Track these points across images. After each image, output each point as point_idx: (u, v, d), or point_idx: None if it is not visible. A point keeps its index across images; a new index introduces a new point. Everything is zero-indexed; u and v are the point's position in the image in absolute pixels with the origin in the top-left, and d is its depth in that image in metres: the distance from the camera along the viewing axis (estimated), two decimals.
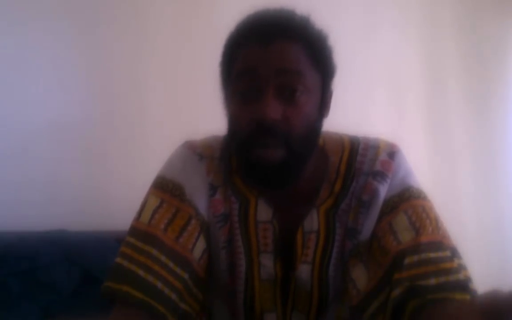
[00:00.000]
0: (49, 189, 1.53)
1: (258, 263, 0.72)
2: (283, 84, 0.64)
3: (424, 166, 2.08)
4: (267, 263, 0.72)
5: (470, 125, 2.37)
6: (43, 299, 1.30)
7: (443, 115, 2.33)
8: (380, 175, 0.71)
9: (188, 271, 0.67)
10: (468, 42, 2.38)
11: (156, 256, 0.65)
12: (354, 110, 1.84)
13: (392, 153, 0.74)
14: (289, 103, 0.65)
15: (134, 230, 0.69)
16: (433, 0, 2.35)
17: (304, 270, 0.71)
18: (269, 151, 0.64)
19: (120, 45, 1.69)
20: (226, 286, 0.74)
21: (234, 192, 0.74)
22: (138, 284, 0.63)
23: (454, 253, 0.65)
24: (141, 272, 0.63)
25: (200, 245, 0.70)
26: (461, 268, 0.64)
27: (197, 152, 0.76)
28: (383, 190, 0.70)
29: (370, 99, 2.12)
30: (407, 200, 0.69)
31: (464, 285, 0.61)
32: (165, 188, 0.72)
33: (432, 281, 0.61)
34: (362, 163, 0.74)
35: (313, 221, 0.72)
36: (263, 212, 0.73)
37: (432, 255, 0.63)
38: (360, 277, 0.68)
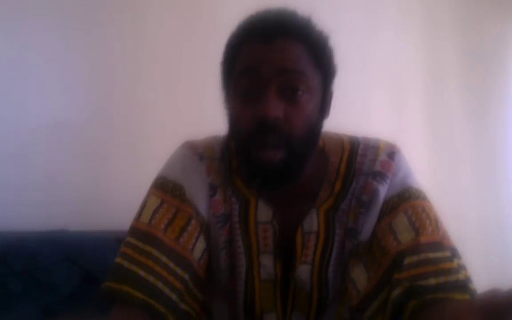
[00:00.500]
0: (49, 189, 1.53)
1: (258, 264, 0.72)
2: (285, 83, 0.64)
3: (424, 166, 2.08)
4: (267, 264, 0.72)
5: (470, 125, 2.38)
6: (43, 299, 1.29)
7: (443, 115, 2.33)
8: (380, 176, 0.71)
9: (188, 272, 0.67)
10: (468, 42, 2.39)
11: (157, 256, 0.65)
12: (354, 110, 1.83)
13: (392, 153, 0.74)
14: (290, 102, 0.65)
15: (134, 230, 0.69)
16: (433, 0, 2.35)
17: (303, 271, 0.71)
18: (269, 152, 0.64)
19: (120, 46, 1.69)
20: (226, 286, 0.74)
21: (234, 193, 0.74)
22: (138, 284, 0.63)
23: (454, 253, 0.65)
24: (141, 272, 0.63)
25: (200, 245, 0.70)
26: (460, 268, 0.64)
27: (197, 152, 0.76)
28: (383, 191, 0.70)
29: (370, 99, 2.12)
30: (407, 201, 0.69)
31: (463, 285, 0.62)
32: (165, 188, 0.72)
33: (432, 281, 0.61)
34: (362, 163, 0.74)
35: (313, 221, 0.72)
36: (263, 212, 0.73)
37: (432, 255, 0.63)
38: (360, 277, 0.68)
